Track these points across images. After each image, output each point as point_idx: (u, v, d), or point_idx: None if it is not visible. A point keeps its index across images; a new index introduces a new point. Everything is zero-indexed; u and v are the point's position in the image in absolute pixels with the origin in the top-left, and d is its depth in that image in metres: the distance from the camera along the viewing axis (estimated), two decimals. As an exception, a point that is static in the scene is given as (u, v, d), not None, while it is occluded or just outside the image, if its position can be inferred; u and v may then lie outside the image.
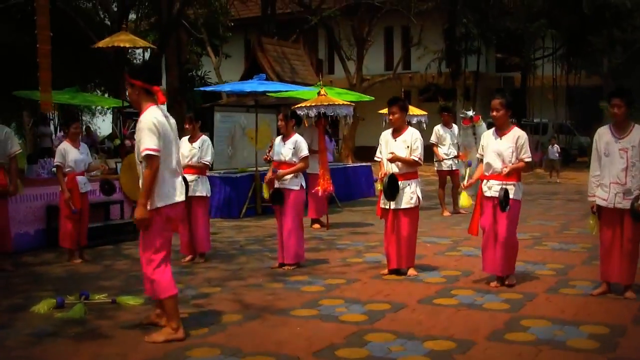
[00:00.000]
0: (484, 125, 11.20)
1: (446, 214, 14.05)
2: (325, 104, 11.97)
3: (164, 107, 5.95)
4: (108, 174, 11.38)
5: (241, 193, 14.27)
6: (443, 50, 30.51)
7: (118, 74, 17.78)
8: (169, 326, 5.67)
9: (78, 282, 7.91)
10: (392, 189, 7.87)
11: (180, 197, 5.70)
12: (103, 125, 37.18)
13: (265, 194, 9.18)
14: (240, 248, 10.32)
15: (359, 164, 19.58)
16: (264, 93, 14.87)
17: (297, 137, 8.87)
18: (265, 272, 8.52)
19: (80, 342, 5.64)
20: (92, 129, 25.79)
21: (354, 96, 16.45)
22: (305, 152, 8.76)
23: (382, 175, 8.03)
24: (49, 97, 12.41)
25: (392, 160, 7.98)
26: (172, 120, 5.81)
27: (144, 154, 5.46)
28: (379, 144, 8.26)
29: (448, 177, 14.33)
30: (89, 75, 24.64)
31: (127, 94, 6.15)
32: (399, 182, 7.95)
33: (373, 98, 17.27)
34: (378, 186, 8.53)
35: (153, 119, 5.52)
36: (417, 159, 7.98)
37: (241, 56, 35.22)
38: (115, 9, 22.40)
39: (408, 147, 7.99)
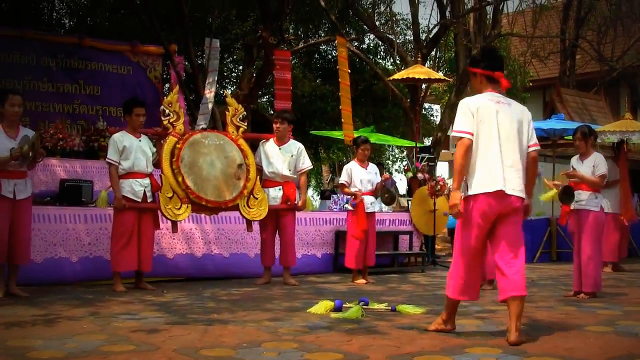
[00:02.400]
0: None
1: None
2: (630, 129, 10.90)
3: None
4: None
5: (536, 237, 13.40)
6: None
7: (412, 113, 17.76)
8: (440, 316, 5.45)
9: (359, 295, 7.59)
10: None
11: (493, 187, 5.12)
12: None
13: (545, 197, 9.01)
14: (531, 282, 9.51)
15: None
16: (561, 134, 13.98)
17: (596, 156, 8.17)
18: (557, 298, 7.83)
19: (353, 335, 5.32)
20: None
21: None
22: (602, 171, 8.01)
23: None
24: (350, 129, 12.75)
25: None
26: (513, 109, 5.30)
27: (452, 135, 5.32)
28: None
29: None
30: (382, 117, 25.26)
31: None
32: None
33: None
34: None
35: (467, 102, 5.29)
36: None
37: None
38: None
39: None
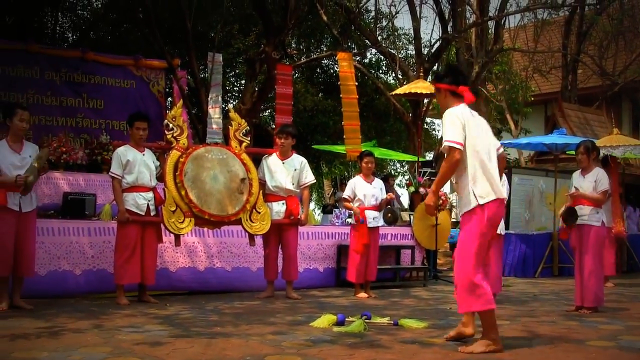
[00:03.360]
0: None
1: None
2: (633, 144, 11.05)
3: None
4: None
5: (537, 252, 13.43)
6: None
7: (414, 127, 17.82)
8: (487, 337, 5.26)
9: (361, 309, 7.61)
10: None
11: (500, 194, 5.32)
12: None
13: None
14: (533, 297, 9.54)
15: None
16: (563, 149, 14.01)
17: (598, 171, 8.20)
18: (559, 313, 7.85)
19: (356, 348, 5.34)
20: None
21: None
22: (605, 186, 8.04)
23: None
24: (358, 144, 12.73)
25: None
26: (482, 120, 5.54)
27: (445, 145, 5.32)
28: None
29: None
30: (384, 131, 25.35)
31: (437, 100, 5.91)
32: None
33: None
34: None
35: (456, 112, 5.35)
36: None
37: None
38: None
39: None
